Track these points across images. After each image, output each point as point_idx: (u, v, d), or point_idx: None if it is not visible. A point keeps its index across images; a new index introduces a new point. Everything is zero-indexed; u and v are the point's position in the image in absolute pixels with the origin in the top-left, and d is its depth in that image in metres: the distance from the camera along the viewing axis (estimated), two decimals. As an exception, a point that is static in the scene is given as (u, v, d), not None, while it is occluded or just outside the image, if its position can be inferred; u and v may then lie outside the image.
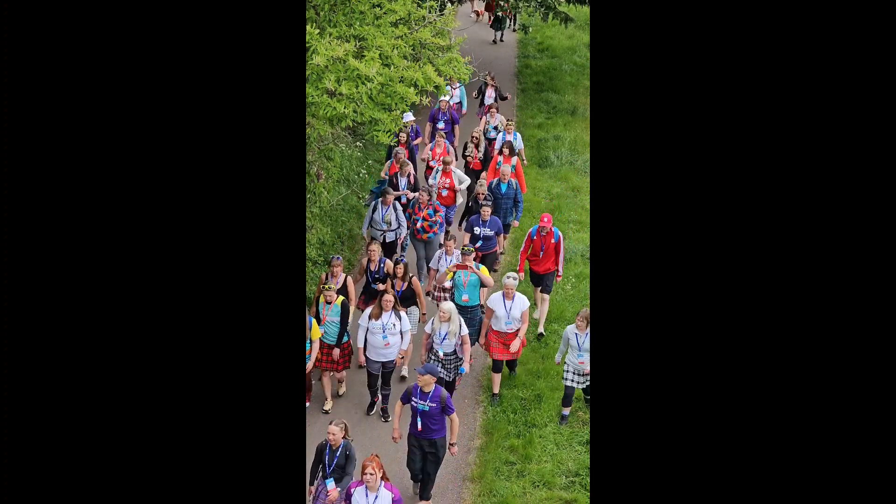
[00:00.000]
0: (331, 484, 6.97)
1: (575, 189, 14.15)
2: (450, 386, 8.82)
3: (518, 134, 13.53)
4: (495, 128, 13.63)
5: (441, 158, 11.88)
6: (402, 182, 11.52)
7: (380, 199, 10.73)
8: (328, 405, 9.08)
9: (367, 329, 8.69)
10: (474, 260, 9.73)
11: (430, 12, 9.33)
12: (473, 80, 10.89)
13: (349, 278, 9.43)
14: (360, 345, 8.77)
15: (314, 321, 8.62)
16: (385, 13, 8.86)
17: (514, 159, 11.97)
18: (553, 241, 10.16)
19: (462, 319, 8.75)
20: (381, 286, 9.38)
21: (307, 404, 8.87)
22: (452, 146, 12.94)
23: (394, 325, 8.64)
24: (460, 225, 11.47)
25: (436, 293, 9.93)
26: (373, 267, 9.66)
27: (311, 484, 7.15)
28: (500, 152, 12.07)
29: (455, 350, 8.67)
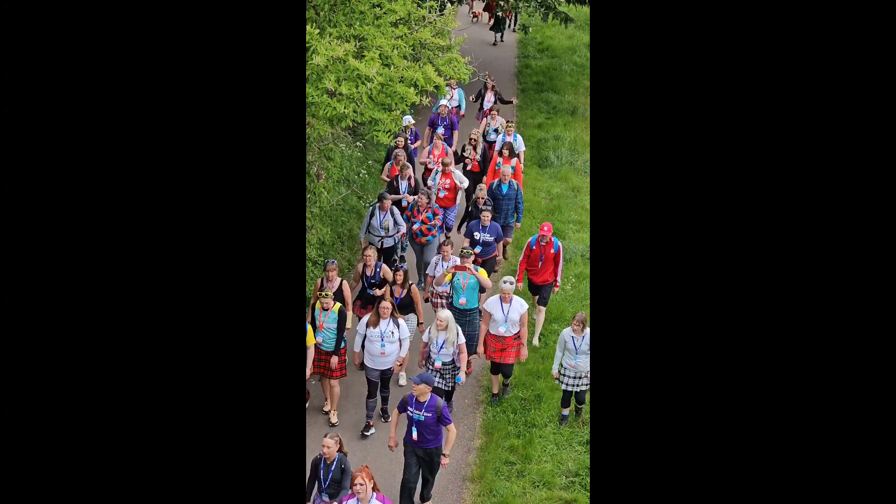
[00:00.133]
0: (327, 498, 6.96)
1: (575, 189, 14.15)
2: (447, 396, 8.77)
3: (518, 136, 13.43)
4: (496, 130, 13.59)
5: (440, 160, 11.87)
6: (403, 185, 11.46)
7: (377, 205, 10.57)
8: (328, 406, 9.07)
9: (365, 336, 8.58)
10: (473, 263, 9.65)
11: (430, 12, 9.33)
12: (473, 81, 10.86)
13: (345, 283, 9.27)
14: (357, 349, 8.65)
15: (309, 327, 8.39)
16: (385, 13, 8.86)
17: (514, 160, 11.96)
18: (552, 251, 10.03)
19: (459, 328, 8.66)
20: (377, 291, 9.33)
21: (307, 403, 8.85)
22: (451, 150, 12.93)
23: (392, 332, 8.51)
24: (459, 229, 11.39)
25: (434, 299, 9.86)
26: (369, 272, 9.58)
27: (309, 500, 7.08)
28: (500, 153, 12.05)
29: (453, 359, 8.58)
